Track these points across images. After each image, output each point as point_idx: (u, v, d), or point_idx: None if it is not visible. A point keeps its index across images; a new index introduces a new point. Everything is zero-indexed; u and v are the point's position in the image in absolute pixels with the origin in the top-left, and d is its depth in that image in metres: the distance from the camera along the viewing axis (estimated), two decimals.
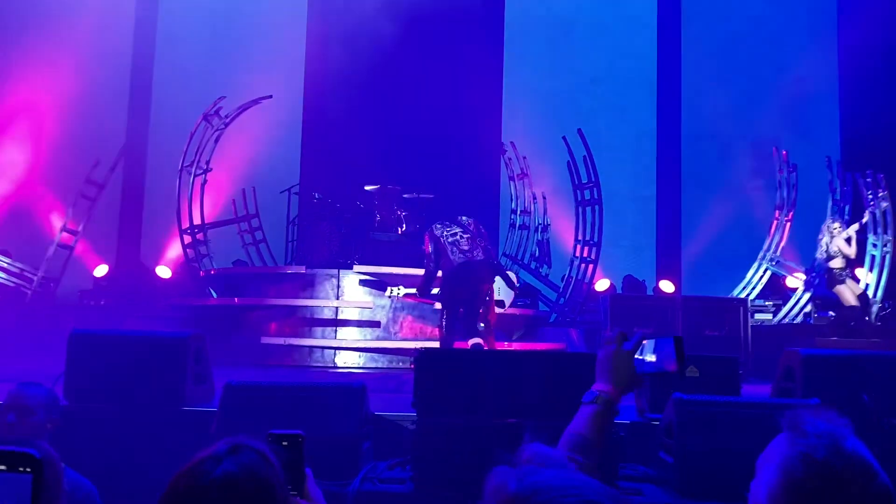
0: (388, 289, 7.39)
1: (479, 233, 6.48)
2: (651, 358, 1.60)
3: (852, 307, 8.16)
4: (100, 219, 10.03)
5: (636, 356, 1.58)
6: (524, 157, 10.93)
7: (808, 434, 1.17)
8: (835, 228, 8.38)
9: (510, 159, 11.08)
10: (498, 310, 6.85)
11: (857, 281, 8.78)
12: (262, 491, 1.18)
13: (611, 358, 1.59)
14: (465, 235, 6.33)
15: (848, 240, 8.32)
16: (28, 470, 0.97)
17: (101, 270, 9.92)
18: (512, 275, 7.12)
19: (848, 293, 8.19)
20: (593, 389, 1.56)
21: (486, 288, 6.35)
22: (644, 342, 1.61)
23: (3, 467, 0.97)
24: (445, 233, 6.37)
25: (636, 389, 1.72)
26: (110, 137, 10.35)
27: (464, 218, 6.52)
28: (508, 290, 7.08)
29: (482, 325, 6.25)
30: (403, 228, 9.29)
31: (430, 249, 6.41)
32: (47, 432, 2.92)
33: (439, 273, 6.36)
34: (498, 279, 6.62)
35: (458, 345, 6.30)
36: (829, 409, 1.23)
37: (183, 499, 1.15)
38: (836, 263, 8.27)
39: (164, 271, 10.21)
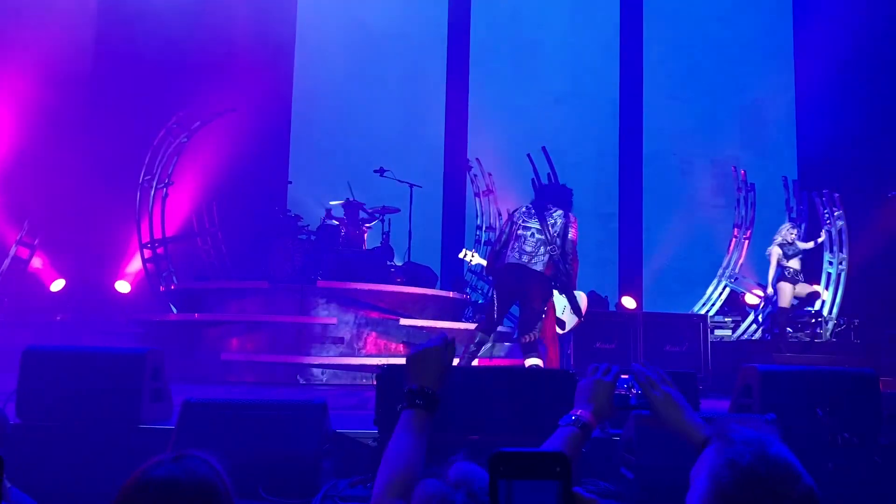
0: (464, 251, 6.66)
1: (563, 239, 5.62)
2: (627, 393, 1.66)
3: (783, 310, 8.44)
4: (57, 232, 9.81)
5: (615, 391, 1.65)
6: (489, 174, 11.00)
7: (734, 442, 1.22)
8: (792, 234, 8.67)
9: (476, 176, 11.14)
10: (557, 330, 6.07)
11: (816, 296, 9.01)
12: (204, 493, 1.19)
13: (592, 387, 1.64)
14: (538, 236, 5.61)
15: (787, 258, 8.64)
16: None
17: (57, 285, 9.70)
18: (582, 297, 6.03)
19: (787, 294, 8.47)
20: (572, 414, 1.60)
21: (538, 305, 5.63)
22: (623, 377, 1.67)
23: None
24: (520, 221, 5.70)
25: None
26: (69, 149, 10.15)
27: (556, 212, 5.70)
28: (573, 315, 6.01)
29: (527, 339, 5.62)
30: (367, 243, 9.29)
31: (504, 225, 5.87)
32: None
33: None
34: (562, 298, 5.81)
35: (484, 362, 5.73)
36: (753, 417, 1.28)
37: (126, 500, 1.17)
38: (793, 264, 8.57)
39: (122, 286, 10.02)
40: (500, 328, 8.84)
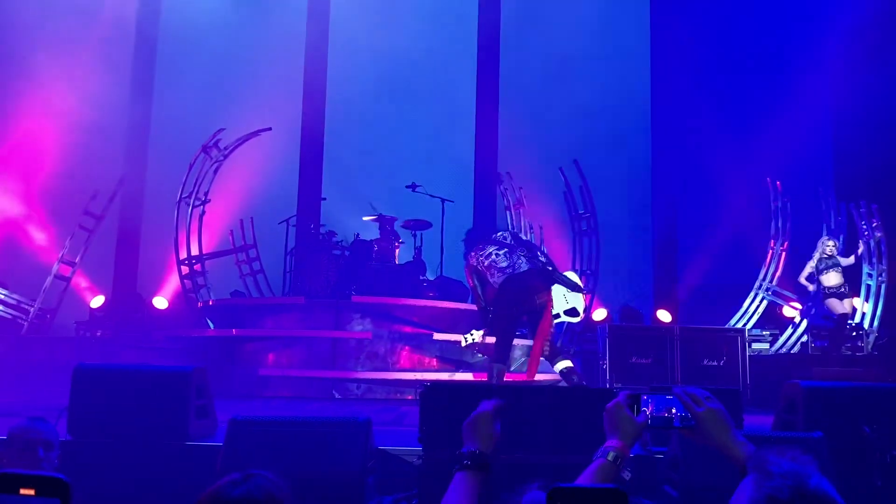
0: (462, 338, 6.61)
1: (519, 242, 5.84)
2: (670, 414, 1.67)
3: (844, 314, 8.33)
4: (97, 250, 10.02)
5: (643, 409, 1.66)
6: (521, 188, 11.00)
7: (772, 475, 1.21)
8: (828, 246, 8.57)
9: (506, 189, 11.15)
10: (573, 319, 6.04)
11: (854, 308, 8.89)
12: None
13: (606, 416, 1.66)
14: (500, 251, 5.71)
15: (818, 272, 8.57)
16: (56, 495, 0.99)
17: (97, 301, 9.90)
18: (572, 275, 6.04)
19: (838, 305, 8.39)
20: (604, 446, 1.62)
21: (543, 299, 5.63)
22: (667, 397, 1.67)
23: (31, 492, 0.98)
24: (480, 257, 5.77)
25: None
26: (108, 168, 10.38)
27: (499, 234, 5.92)
28: (575, 293, 5.97)
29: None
30: (400, 258, 9.33)
31: (472, 283, 5.84)
32: (54, 467, 2.94)
33: None
34: (559, 289, 5.80)
35: (509, 376, 5.70)
36: (794, 447, 1.27)
37: None
38: (832, 280, 8.44)
39: (160, 302, 10.19)
40: (526, 342, 8.84)
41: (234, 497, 1.24)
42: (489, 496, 1.60)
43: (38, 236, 10.19)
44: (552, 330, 5.80)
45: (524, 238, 5.91)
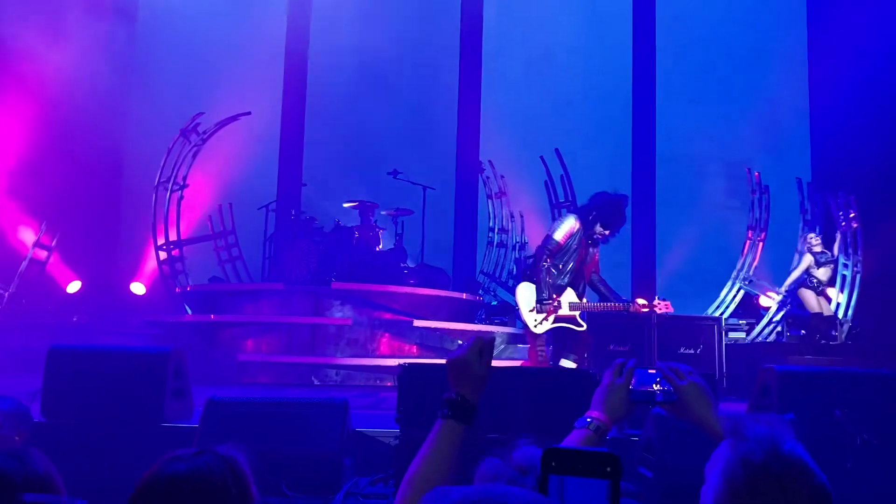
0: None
1: (546, 237, 5.89)
2: (652, 389, 1.66)
3: (817, 314, 8.51)
4: (73, 234, 9.89)
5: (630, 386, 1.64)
6: (502, 176, 11.01)
7: (747, 439, 1.22)
8: (814, 243, 8.78)
9: (488, 178, 11.15)
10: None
11: (829, 300, 9.01)
12: (209, 492, 1.21)
13: (606, 390, 1.64)
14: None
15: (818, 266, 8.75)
16: None
17: (73, 286, 9.78)
18: (519, 290, 6.05)
19: (812, 301, 8.58)
20: (587, 416, 1.60)
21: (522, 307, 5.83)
22: (650, 371, 1.67)
23: None
24: None
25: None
26: (85, 152, 10.23)
27: (564, 215, 6.03)
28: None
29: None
30: (381, 245, 9.31)
31: None
32: (16, 445, 2.87)
33: None
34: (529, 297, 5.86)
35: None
36: (769, 414, 1.28)
37: (140, 493, 1.20)
38: (821, 274, 8.68)
39: (138, 288, 10.09)
40: (513, 330, 8.87)
41: (170, 474, 1.20)
42: (469, 470, 1.51)
43: (13, 219, 10.04)
44: (536, 332, 5.93)
45: (550, 233, 5.84)
